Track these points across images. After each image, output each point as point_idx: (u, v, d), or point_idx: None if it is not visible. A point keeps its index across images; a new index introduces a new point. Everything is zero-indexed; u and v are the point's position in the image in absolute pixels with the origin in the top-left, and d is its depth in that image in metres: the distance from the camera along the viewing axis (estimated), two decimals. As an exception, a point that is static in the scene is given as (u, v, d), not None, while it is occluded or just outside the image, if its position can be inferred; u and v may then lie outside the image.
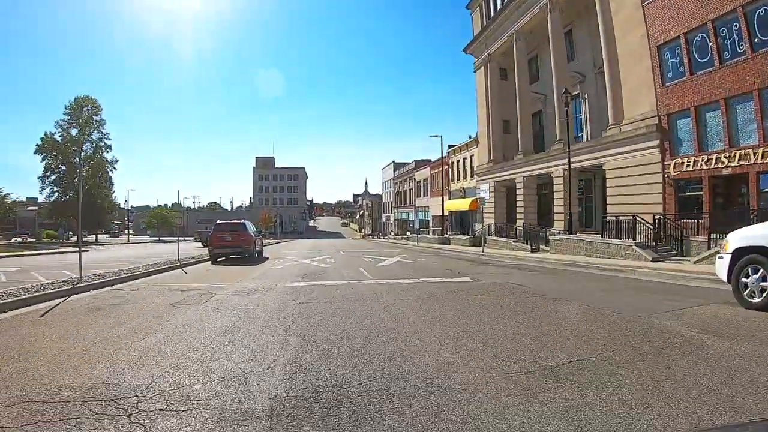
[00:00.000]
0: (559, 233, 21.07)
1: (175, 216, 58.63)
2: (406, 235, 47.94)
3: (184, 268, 13.50)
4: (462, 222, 37.45)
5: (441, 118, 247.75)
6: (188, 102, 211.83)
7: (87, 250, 28.33)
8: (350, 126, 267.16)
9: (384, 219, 79.40)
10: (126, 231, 58.24)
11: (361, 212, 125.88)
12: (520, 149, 28.63)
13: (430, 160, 53.09)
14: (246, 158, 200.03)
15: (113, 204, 53.36)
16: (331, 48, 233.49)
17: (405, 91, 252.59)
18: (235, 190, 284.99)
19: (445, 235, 33.85)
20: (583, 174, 24.56)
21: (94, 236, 54.07)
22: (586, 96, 25.87)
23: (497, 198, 31.79)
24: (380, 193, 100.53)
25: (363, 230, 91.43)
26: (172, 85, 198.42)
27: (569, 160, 20.10)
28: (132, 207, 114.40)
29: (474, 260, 17.59)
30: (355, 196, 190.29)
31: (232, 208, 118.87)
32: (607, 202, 21.26)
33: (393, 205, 71.29)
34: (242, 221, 17.74)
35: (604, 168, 21.57)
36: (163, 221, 56.16)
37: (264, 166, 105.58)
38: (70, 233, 54.87)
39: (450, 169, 41.45)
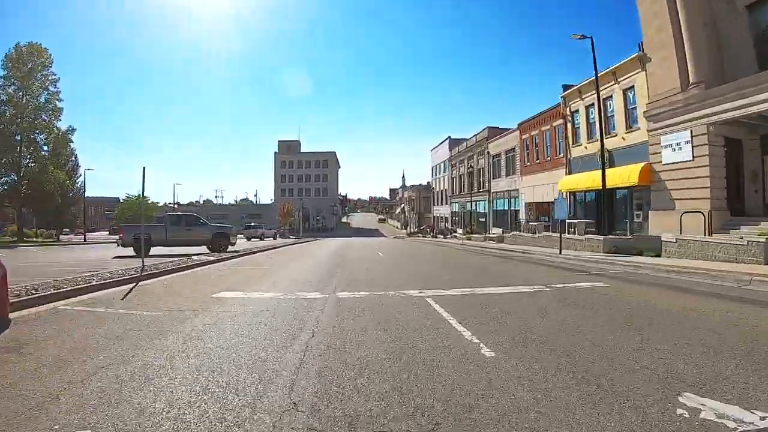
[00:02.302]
0: None
1: (155, 209, 45.89)
2: (489, 233, 32.68)
3: None
4: (603, 209, 21.80)
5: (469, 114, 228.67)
6: (217, 101, 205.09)
7: None
8: (383, 122, 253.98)
9: (435, 212, 64.26)
10: (83, 228, 45.94)
11: (402, 206, 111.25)
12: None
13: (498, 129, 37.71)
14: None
15: (74, 193, 41.34)
16: (354, 46, 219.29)
17: (434, 87, 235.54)
18: (262, 186, 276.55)
19: (608, 235, 18.18)
20: None
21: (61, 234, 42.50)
22: None
23: (712, 156, 16.24)
24: (428, 182, 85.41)
25: (409, 227, 76.51)
26: (200, 84, 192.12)
27: None
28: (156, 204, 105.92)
29: None
30: (392, 191, 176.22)
31: (256, 202, 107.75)
32: None
33: (448, 193, 56.11)
34: None
35: None
36: (138, 215, 43.46)
37: (287, 150, 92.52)
38: (54, 232, 43.79)
39: (568, 125, 25.95)
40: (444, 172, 59.33)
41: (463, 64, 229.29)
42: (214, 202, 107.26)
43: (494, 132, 39.50)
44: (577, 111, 25.15)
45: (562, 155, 26.49)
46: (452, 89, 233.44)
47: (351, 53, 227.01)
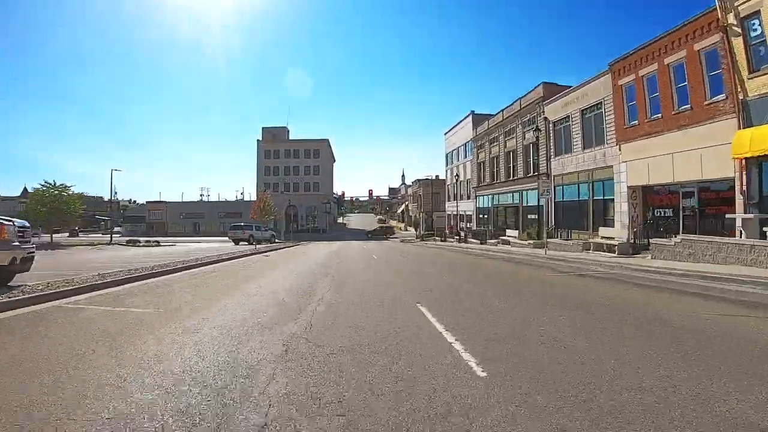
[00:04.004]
0: None
1: (74, 202, 34.46)
2: (594, 238, 21.39)
3: None
4: None
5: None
6: (215, 100, 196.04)
7: None
8: (382, 121, 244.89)
9: (449, 210, 53.26)
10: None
11: (405, 203, 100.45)
12: None
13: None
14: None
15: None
16: (346, 50, 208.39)
17: (435, 86, 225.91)
18: (250, 183, 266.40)
19: None
20: None
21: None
22: None
23: None
24: (436, 175, 74.73)
25: (419, 228, 65.31)
26: (203, 85, 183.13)
27: None
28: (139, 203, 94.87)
29: None
30: (392, 190, 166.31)
31: (243, 199, 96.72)
32: None
33: (472, 184, 45.32)
34: None
35: None
36: (54, 209, 31.79)
37: (273, 139, 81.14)
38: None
39: (732, 44, 15.15)
40: (465, 157, 48.44)
41: (464, 63, 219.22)
42: (206, 200, 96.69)
43: (553, 90, 28.64)
44: (755, 14, 14.34)
45: (721, 97, 15.61)
46: (454, 88, 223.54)
47: (351, 53, 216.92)
